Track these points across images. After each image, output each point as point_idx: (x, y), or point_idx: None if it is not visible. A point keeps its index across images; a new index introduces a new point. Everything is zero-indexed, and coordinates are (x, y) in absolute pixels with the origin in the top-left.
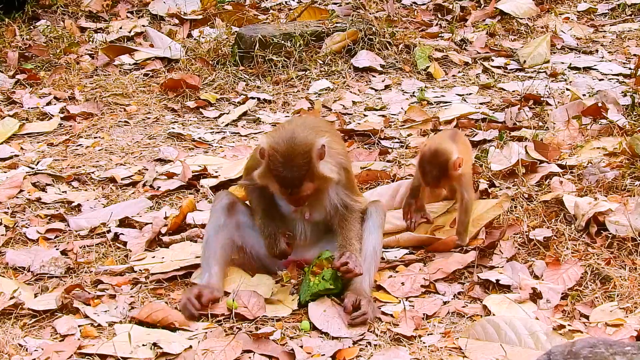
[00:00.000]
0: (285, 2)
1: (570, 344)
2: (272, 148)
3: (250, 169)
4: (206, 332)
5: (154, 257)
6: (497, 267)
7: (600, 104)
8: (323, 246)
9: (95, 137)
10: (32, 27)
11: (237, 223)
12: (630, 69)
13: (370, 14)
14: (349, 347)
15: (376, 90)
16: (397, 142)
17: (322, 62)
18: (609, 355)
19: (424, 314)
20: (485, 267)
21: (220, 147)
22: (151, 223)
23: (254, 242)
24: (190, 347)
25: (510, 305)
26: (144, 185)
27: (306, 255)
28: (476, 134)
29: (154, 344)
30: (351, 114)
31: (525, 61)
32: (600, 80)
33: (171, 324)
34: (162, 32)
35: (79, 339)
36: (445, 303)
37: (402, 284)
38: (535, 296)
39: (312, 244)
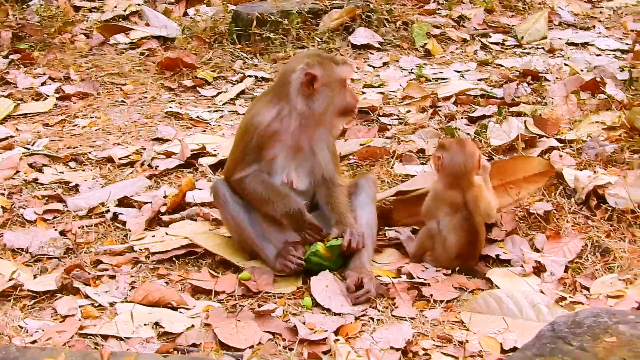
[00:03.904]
0: None
1: (574, 314)
2: (313, 58)
3: (240, 157)
4: (208, 311)
5: (153, 236)
6: (497, 240)
7: (598, 79)
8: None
9: (91, 117)
10: (25, 6)
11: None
12: (627, 44)
13: None
14: (351, 322)
15: (374, 67)
16: (396, 119)
17: (319, 40)
18: (613, 324)
19: (417, 285)
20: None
21: (218, 125)
22: (150, 202)
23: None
24: (193, 325)
25: (514, 279)
26: (142, 164)
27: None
28: (475, 110)
29: (156, 323)
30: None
31: (523, 37)
32: (597, 55)
33: (168, 303)
34: (158, 11)
35: (79, 320)
36: (446, 276)
37: (407, 262)
38: (538, 269)
39: None
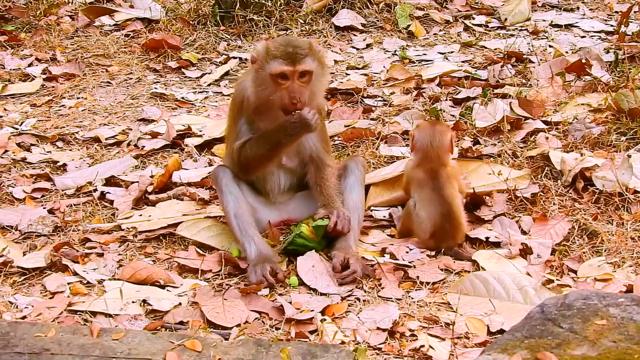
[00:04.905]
0: None
1: (563, 297)
2: (268, 42)
3: (234, 127)
4: (195, 290)
5: (140, 215)
6: (484, 217)
7: (583, 61)
8: (301, 200)
9: (78, 98)
10: None
11: (242, 190)
12: (612, 25)
13: None
14: (338, 303)
15: (358, 49)
16: (381, 100)
17: (303, 22)
18: (603, 307)
19: (403, 266)
20: (473, 222)
21: (203, 106)
22: (137, 182)
23: (252, 201)
24: (180, 304)
25: (500, 261)
26: (128, 144)
27: (290, 213)
28: (459, 92)
29: (144, 301)
30: (333, 73)
31: (506, 19)
32: (582, 37)
33: (156, 281)
34: None
35: (68, 296)
36: (431, 258)
37: (391, 244)
38: (525, 251)
39: (289, 197)
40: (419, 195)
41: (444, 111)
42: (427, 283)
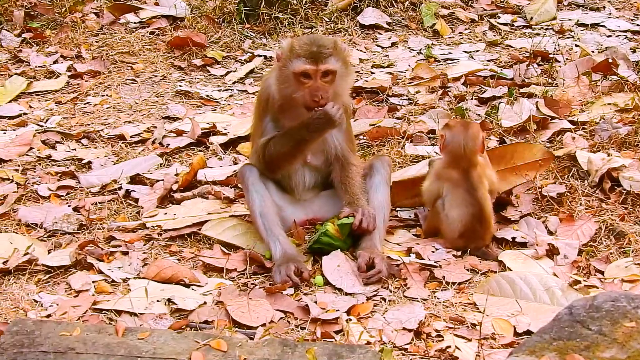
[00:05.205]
0: None
1: (592, 298)
2: (294, 40)
3: (260, 124)
4: (220, 289)
5: (165, 213)
6: (511, 220)
7: (610, 60)
8: (326, 199)
9: (102, 95)
10: None
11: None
12: (638, 25)
13: None
14: (363, 302)
15: (383, 47)
16: (406, 99)
17: (328, 20)
18: (632, 308)
19: (429, 266)
20: (500, 222)
21: (228, 104)
22: (162, 180)
23: (278, 199)
24: (205, 303)
25: (526, 261)
26: (153, 142)
27: (315, 212)
28: (485, 91)
29: (169, 300)
30: (358, 72)
31: (532, 18)
32: (608, 36)
33: (181, 280)
34: None
35: (93, 295)
36: (457, 258)
37: (417, 243)
38: (551, 252)
39: (314, 195)
40: (450, 196)
41: (469, 110)
42: (453, 283)
